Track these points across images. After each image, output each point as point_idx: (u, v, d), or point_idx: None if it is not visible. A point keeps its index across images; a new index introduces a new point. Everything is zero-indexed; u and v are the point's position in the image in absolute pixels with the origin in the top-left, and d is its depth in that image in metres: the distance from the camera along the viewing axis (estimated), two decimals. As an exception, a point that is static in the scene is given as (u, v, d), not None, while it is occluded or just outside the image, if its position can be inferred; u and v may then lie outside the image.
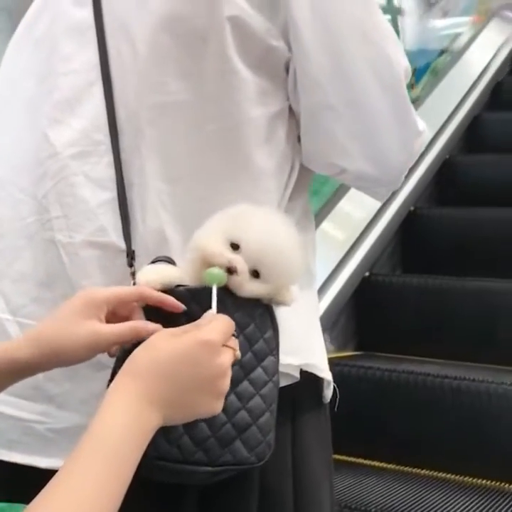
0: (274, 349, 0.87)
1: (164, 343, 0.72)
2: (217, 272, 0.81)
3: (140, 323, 0.80)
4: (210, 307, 0.80)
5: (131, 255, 0.92)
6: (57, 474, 0.62)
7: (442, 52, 4.19)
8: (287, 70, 0.96)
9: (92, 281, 0.94)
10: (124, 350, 0.82)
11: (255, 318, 0.85)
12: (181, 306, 0.82)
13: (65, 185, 0.97)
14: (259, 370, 0.85)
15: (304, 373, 0.98)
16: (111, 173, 0.95)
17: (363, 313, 2.74)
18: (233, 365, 0.76)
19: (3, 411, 0.98)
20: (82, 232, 0.95)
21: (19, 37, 1.10)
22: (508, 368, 2.35)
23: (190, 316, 0.81)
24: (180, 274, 0.86)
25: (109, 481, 0.63)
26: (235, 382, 0.82)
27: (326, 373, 1.02)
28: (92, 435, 0.65)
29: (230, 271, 0.82)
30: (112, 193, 0.95)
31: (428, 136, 1.06)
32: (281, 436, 0.94)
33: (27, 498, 0.62)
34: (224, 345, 0.74)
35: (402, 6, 3.84)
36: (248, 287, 0.83)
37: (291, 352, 0.93)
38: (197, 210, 0.91)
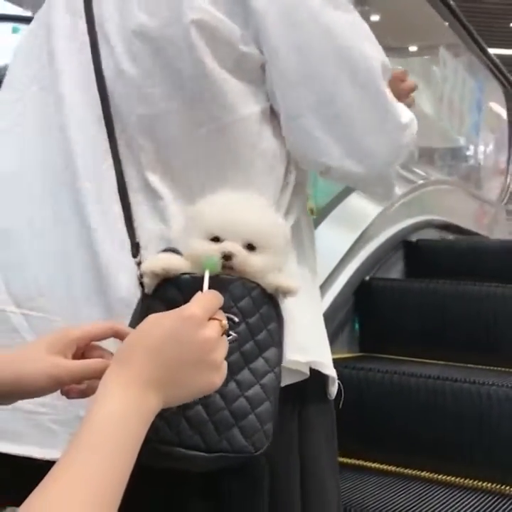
0: (277, 341, 0.87)
1: (151, 326, 0.72)
2: (213, 257, 0.83)
3: (98, 362, 0.79)
4: None
5: (135, 246, 0.93)
6: (55, 467, 0.61)
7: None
8: (264, 71, 0.96)
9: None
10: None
11: (260, 307, 0.86)
12: None
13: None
14: (260, 360, 0.86)
15: (311, 370, 0.99)
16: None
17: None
18: (230, 343, 0.77)
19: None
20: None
21: (24, 44, 1.11)
22: (510, 370, 2.35)
23: None
24: (185, 264, 0.87)
25: (111, 471, 0.62)
26: (235, 370, 0.84)
27: (330, 370, 1.02)
28: (90, 425, 0.65)
29: (229, 257, 0.83)
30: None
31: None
32: (288, 430, 0.96)
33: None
34: (211, 319, 0.74)
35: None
36: (253, 260, 0.85)
37: (299, 349, 0.93)
38: None
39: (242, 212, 0.87)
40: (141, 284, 0.89)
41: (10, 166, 1.04)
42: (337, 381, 1.05)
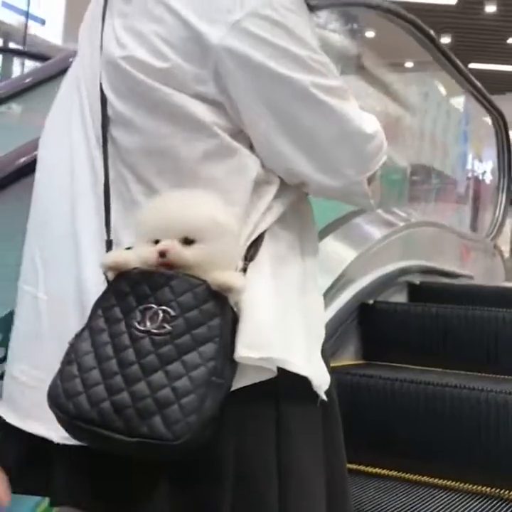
0: (217, 336, 0.89)
1: None
2: None
3: None
4: (159, 288, 0.89)
5: (108, 244, 0.99)
6: None
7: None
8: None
9: None
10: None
11: (202, 303, 0.90)
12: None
13: None
14: (194, 354, 0.88)
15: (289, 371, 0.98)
16: None
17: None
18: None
19: (18, 377, 1.05)
20: None
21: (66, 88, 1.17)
22: (508, 377, 2.38)
23: (139, 295, 0.90)
24: (141, 261, 0.93)
25: None
26: (166, 361, 0.87)
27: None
28: None
29: (163, 254, 0.90)
30: None
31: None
32: (263, 431, 0.98)
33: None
34: None
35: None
36: (187, 253, 0.90)
37: (253, 345, 0.93)
38: None
39: (172, 210, 0.91)
40: (106, 277, 0.95)
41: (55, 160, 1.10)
42: (316, 380, 1.01)
